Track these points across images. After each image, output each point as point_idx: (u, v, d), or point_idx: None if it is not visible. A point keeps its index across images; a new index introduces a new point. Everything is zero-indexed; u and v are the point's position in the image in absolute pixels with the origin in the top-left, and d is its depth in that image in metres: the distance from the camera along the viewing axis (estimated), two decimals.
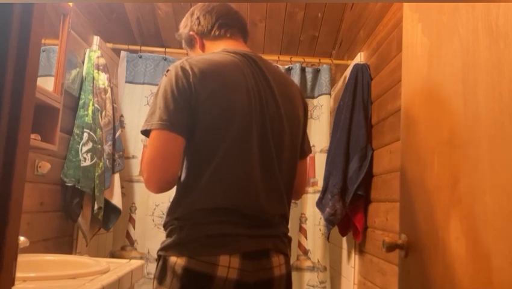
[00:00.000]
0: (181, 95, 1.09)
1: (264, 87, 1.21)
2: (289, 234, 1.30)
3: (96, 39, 2.36)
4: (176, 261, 1.09)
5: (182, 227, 1.12)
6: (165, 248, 1.13)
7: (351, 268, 2.24)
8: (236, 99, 1.13)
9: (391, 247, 1.12)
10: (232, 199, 1.13)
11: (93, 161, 2.10)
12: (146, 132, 1.12)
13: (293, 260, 2.44)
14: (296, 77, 2.58)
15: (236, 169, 1.13)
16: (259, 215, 1.17)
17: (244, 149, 1.14)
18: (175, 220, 1.14)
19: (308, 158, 1.41)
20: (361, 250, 2.15)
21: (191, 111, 1.09)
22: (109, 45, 2.52)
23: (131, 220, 2.46)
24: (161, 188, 1.14)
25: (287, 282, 1.22)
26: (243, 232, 1.14)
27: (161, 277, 1.12)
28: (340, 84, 2.74)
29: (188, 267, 1.07)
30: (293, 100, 1.28)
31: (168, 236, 1.15)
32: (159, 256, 1.15)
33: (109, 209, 2.23)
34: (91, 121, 2.14)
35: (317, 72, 2.65)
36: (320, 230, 2.46)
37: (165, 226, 1.18)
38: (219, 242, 1.11)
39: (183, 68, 1.12)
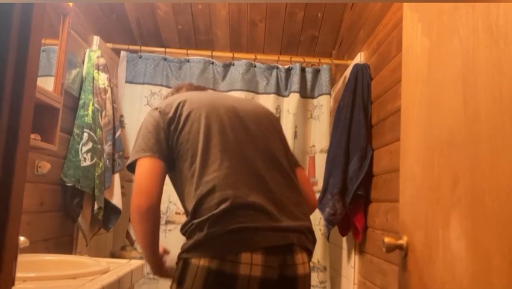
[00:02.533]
0: (154, 128, 1.24)
1: (226, 102, 1.33)
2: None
3: (96, 39, 2.36)
4: (198, 263, 1.08)
5: (201, 227, 1.12)
6: (186, 250, 1.13)
7: (351, 268, 2.24)
8: (198, 109, 1.27)
9: (391, 247, 1.12)
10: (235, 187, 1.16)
11: (93, 161, 2.10)
12: (131, 167, 1.24)
13: None
14: (296, 77, 2.58)
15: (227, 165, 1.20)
16: (275, 202, 1.18)
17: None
18: (192, 219, 1.15)
19: (303, 168, 1.49)
20: (361, 250, 2.15)
21: (165, 136, 1.24)
22: (109, 45, 2.52)
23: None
24: (149, 208, 1.17)
25: (309, 283, 1.20)
26: (264, 224, 1.13)
27: (181, 279, 1.11)
28: (340, 84, 2.74)
29: (209, 267, 1.07)
30: (262, 114, 1.39)
31: (188, 238, 1.16)
32: (179, 259, 1.15)
33: (109, 209, 2.23)
34: (91, 121, 2.14)
35: (317, 72, 2.65)
36: (320, 230, 2.46)
37: (182, 229, 1.19)
38: (239, 238, 1.10)
39: (154, 108, 1.30)
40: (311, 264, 2.42)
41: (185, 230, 1.18)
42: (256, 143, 1.27)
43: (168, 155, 1.23)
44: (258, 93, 2.62)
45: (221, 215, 1.12)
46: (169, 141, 1.24)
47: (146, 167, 1.20)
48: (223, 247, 1.09)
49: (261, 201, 1.17)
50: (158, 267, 1.31)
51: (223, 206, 1.13)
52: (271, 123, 1.38)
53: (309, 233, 1.24)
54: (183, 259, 1.13)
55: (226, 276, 1.06)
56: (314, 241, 1.28)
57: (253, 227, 1.12)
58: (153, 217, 1.19)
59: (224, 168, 1.18)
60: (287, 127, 2.54)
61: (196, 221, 1.14)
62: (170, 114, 1.25)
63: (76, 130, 2.10)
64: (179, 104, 1.27)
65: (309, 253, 1.22)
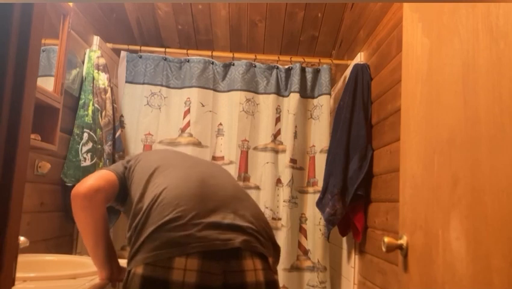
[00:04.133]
0: (120, 163, 1.42)
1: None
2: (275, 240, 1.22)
3: (96, 39, 2.36)
4: (135, 271, 1.05)
5: (135, 229, 1.11)
6: (128, 262, 1.11)
7: (351, 268, 2.24)
8: (155, 151, 1.50)
9: (391, 247, 1.12)
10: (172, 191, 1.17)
11: (93, 161, 2.10)
12: None
13: (292, 260, 2.44)
14: (296, 77, 2.58)
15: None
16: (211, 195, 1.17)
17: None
18: (131, 229, 1.15)
19: None
20: (361, 250, 2.15)
21: (123, 167, 1.38)
22: (109, 45, 2.52)
23: None
24: (85, 196, 1.21)
25: None
26: (200, 218, 1.07)
27: None
28: (340, 84, 2.74)
29: (143, 274, 1.03)
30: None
31: (131, 248, 1.13)
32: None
33: (109, 210, 2.21)
34: (91, 121, 2.14)
35: (317, 72, 2.65)
36: (320, 230, 2.46)
37: (126, 238, 1.19)
38: (174, 240, 1.03)
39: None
40: (311, 264, 2.44)
41: (128, 240, 1.16)
42: (211, 171, 1.34)
43: (124, 182, 1.32)
44: (258, 93, 2.62)
45: (153, 208, 1.09)
46: (125, 172, 1.34)
47: (102, 172, 1.33)
48: (155, 252, 1.03)
49: (199, 192, 1.14)
50: (103, 269, 1.28)
51: (157, 199, 1.12)
52: (226, 171, 1.47)
53: (264, 237, 1.14)
54: (127, 271, 1.10)
55: (158, 283, 1.01)
56: (275, 247, 1.19)
57: (184, 220, 1.05)
58: (90, 206, 1.21)
59: (167, 179, 1.21)
60: (287, 127, 2.55)
61: (133, 225, 1.12)
62: (132, 156, 1.44)
63: (76, 130, 2.10)
64: (141, 153, 1.49)
65: (265, 259, 1.11)
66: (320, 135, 2.56)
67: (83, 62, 2.23)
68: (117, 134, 2.34)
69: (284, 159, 2.52)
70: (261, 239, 1.13)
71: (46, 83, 1.75)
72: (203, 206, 1.11)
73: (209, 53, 2.64)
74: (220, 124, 2.58)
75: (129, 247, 1.17)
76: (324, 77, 2.61)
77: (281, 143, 2.57)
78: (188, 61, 2.61)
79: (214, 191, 1.19)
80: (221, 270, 1.03)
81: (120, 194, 1.32)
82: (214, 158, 2.53)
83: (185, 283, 0.99)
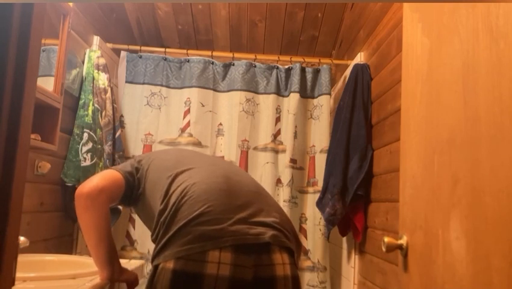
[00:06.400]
0: (129, 163, 1.38)
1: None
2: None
3: (96, 39, 2.36)
4: (165, 266, 1.04)
5: (165, 225, 1.10)
6: (154, 256, 1.11)
7: (351, 268, 2.24)
8: (167, 149, 1.47)
9: (391, 247, 1.12)
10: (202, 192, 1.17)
11: (93, 161, 2.10)
12: None
13: None
14: (296, 78, 2.58)
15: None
16: (239, 192, 1.17)
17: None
18: (158, 224, 1.14)
19: None
20: (361, 250, 2.15)
21: (134, 169, 1.34)
22: (109, 45, 2.52)
23: (131, 220, 2.46)
24: (88, 195, 1.20)
25: (295, 286, 1.12)
26: (231, 215, 1.08)
27: (151, 286, 1.09)
28: (340, 84, 2.74)
29: (175, 268, 1.03)
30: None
31: (157, 243, 1.13)
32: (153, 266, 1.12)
33: (109, 209, 2.22)
34: (91, 121, 2.14)
35: (317, 72, 2.65)
36: (320, 230, 2.46)
37: (152, 237, 1.18)
38: (206, 234, 1.04)
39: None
40: (311, 264, 2.43)
41: (154, 236, 1.15)
42: (230, 168, 1.33)
43: (132, 182, 1.30)
44: (258, 93, 2.62)
45: (181, 203, 1.09)
46: (137, 173, 1.32)
47: (108, 171, 1.31)
48: (189, 246, 1.04)
49: (226, 187, 1.15)
50: (104, 269, 1.24)
51: (185, 194, 1.11)
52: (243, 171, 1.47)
53: (289, 232, 1.18)
54: (154, 266, 1.10)
55: (191, 276, 1.01)
56: (297, 242, 1.21)
57: (214, 214, 1.06)
58: (93, 206, 1.20)
59: (192, 176, 1.21)
60: (287, 127, 2.55)
61: (160, 220, 1.12)
62: (143, 156, 1.41)
63: (76, 130, 2.10)
64: (152, 152, 1.46)
65: (291, 254, 1.14)
66: (320, 135, 2.56)
67: (83, 62, 2.23)
68: (117, 134, 2.34)
69: (284, 159, 2.52)
70: (287, 235, 1.16)
71: (46, 84, 1.75)
72: (232, 202, 1.13)
73: (209, 53, 2.64)
74: (220, 124, 2.58)
75: (153, 241, 1.17)
76: (324, 77, 2.61)
77: (281, 143, 2.57)
78: (188, 61, 2.61)
79: (239, 187, 1.20)
80: (252, 263, 1.05)
81: (127, 194, 1.31)
82: None
83: (219, 277, 1.00)
